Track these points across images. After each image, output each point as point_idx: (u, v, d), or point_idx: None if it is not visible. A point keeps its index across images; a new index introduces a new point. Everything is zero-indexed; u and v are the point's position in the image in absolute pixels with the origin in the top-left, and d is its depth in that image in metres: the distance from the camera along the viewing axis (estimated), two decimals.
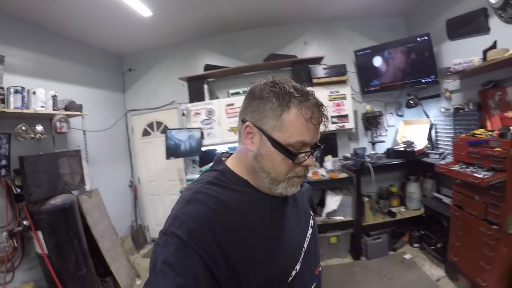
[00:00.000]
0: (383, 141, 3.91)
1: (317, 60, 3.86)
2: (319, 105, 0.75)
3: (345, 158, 3.85)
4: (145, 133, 4.51)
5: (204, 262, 0.65)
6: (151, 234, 4.58)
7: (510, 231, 2.22)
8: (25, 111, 2.58)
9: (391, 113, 4.00)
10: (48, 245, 2.57)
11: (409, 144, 3.54)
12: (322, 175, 3.64)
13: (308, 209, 1.01)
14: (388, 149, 3.73)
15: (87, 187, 3.35)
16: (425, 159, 3.36)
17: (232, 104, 3.86)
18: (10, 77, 2.60)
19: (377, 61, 3.75)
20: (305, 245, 0.89)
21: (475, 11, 2.84)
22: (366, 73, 3.86)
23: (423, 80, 3.48)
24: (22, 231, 2.51)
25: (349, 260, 3.53)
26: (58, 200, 2.73)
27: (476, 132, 2.65)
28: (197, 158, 4.19)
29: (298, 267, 0.82)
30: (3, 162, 2.38)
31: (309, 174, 3.67)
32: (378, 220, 3.59)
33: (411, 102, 3.58)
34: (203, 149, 3.94)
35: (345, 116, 3.77)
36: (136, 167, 4.55)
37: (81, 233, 2.94)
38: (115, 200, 3.84)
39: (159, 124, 4.45)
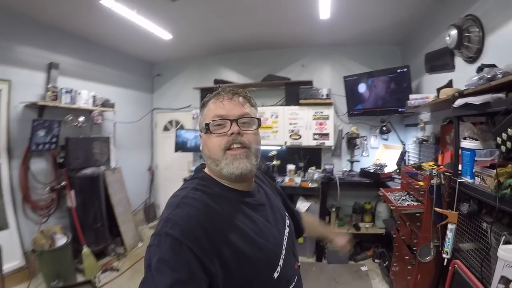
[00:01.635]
0: (358, 161, 4.64)
1: (307, 83, 4.74)
2: (231, 91, 1.01)
3: (323, 171, 4.63)
4: (165, 128, 5.88)
5: (197, 258, 0.76)
6: (160, 212, 5.88)
7: (422, 260, 2.58)
8: (72, 106, 4.01)
9: (375, 135, 4.70)
10: (77, 201, 3.95)
11: (380, 166, 4.20)
12: (296, 183, 4.48)
13: (284, 210, 1.18)
14: (361, 169, 4.43)
15: (112, 165, 4.75)
16: (390, 182, 3.92)
17: None
18: (62, 79, 4.06)
19: (362, 88, 4.47)
20: (284, 242, 1.04)
21: (444, 48, 3.09)
22: (352, 97, 4.61)
23: (399, 109, 4.10)
24: (60, 189, 3.95)
25: (312, 260, 4.28)
26: (88, 171, 4.14)
27: (424, 164, 2.92)
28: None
29: (281, 262, 0.97)
30: (54, 139, 3.80)
31: (286, 180, 4.61)
32: (342, 230, 4.27)
33: (384, 128, 4.31)
34: None
35: (326, 134, 4.61)
36: (156, 155, 5.98)
37: (101, 197, 4.31)
38: (134, 179, 5.24)
39: (177, 122, 5.80)
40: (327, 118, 4.61)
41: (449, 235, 2.19)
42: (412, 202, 2.77)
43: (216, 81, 5.08)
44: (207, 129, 0.95)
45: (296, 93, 4.70)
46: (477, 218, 1.99)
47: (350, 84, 4.57)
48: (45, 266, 3.40)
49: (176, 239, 0.76)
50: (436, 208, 2.36)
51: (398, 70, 4.07)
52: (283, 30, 4.37)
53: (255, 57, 5.23)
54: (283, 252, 1.00)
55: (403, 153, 4.19)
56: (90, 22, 3.84)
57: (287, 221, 1.14)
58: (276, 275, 0.93)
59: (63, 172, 3.93)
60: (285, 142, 4.76)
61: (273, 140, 4.82)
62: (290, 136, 4.74)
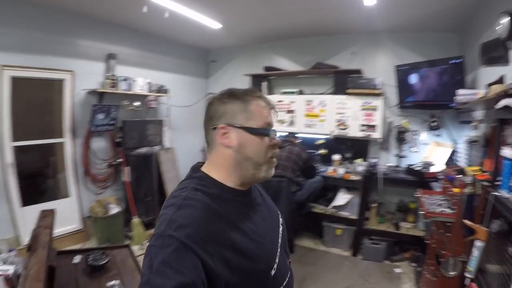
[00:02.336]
0: (405, 156, 4.47)
1: (356, 72, 4.64)
2: (265, 97, 1.05)
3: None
4: None
5: (201, 261, 0.78)
6: None
7: (445, 274, 2.45)
8: (128, 92, 4.60)
9: (427, 131, 4.42)
10: (131, 176, 4.57)
11: (426, 164, 3.99)
12: (338, 174, 4.50)
13: (276, 209, 1.22)
14: (407, 165, 4.25)
15: (166, 145, 5.32)
16: (435, 183, 3.68)
17: (281, 101, 5.13)
18: (120, 67, 4.68)
19: (413, 78, 4.24)
20: (279, 241, 1.09)
21: (497, 38, 2.70)
22: (403, 88, 4.40)
23: (450, 105, 3.75)
24: (117, 165, 4.62)
25: (347, 254, 4.34)
26: (143, 150, 4.76)
27: (467, 168, 2.79)
28: None
29: (277, 260, 1.01)
30: (112, 122, 4.43)
31: (329, 170, 4.68)
32: (381, 227, 4.26)
33: (432, 124, 4.06)
34: None
35: (374, 126, 4.51)
36: None
37: (153, 174, 4.93)
38: (187, 159, 5.76)
39: None
40: (375, 109, 4.49)
41: (475, 252, 2.06)
42: (446, 210, 2.63)
43: (267, 68, 5.26)
44: (263, 133, 0.99)
45: (344, 82, 4.64)
46: (506, 239, 1.82)
47: (402, 74, 4.36)
48: (98, 230, 4.13)
49: (180, 242, 0.78)
50: (464, 221, 2.24)
51: (451, 61, 3.78)
52: (330, 17, 4.32)
53: (304, 44, 5.27)
54: (278, 250, 1.05)
55: (453, 153, 3.92)
56: (142, 15, 4.24)
57: (280, 219, 1.20)
58: (273, 272, 0.98)
59: (120, 150, 4.57)
60: (331, 132, 4.78)
61: (320, 128, 4.89)
62: (337, 125, 4.74)
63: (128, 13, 4.16)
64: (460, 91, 3.21)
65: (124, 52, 4.78)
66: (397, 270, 3.94)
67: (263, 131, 0.99)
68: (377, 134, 4.53)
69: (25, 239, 3.48)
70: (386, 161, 4.66)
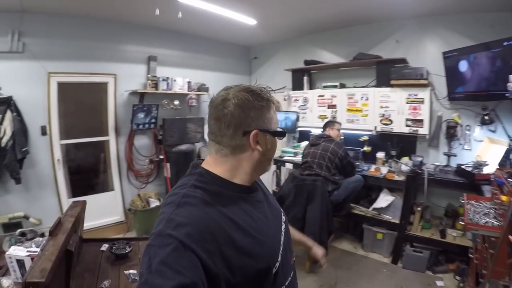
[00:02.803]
0: (454, 155, 4.03)
1: (400, 61, 4.32)
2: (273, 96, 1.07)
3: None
4: None
5: (201, 261, 0.77)
6: None
7: None
8: (168, 92, 4.90)
9: (480, 125, 3.93)
10: (171, 172, 4.88)
11: (479, 164, 3.53)
12: (381, 173, 4.25)
13: (279, 207, 1.23)
14: (457, 165, 3.84)
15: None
16: (487, 186, 3.13)
17: (322, 96, 5.01)
18: (160, 68, 5.01)
19: (463, 66, 3.79)
20: (282, 238, 1.09)
21: None
22: (453, 77, 3.97)
23: (506, 94, 3.28)
24: (158, 161, 4.96)
25: (387, 261, 4.10)
26: (183, 147, 4.99)
27: None
28: (297, 135, 5.68)
29: (279, 258, 1.01)
30: (153, 120, 4.77)
31: (371, 169, 4.44)
32: (425, 234, 3.90)
33: (486, 117, 3.59)
34: (299, 129, 5.41)
35: (420, 120, 4.16)
36: None
37: None
38: None
39: None
40: (422, 101, 4.15)
41: None
42: (492, 221, 2.25)
43: (307, 62, 5.16)
44: (280, 135, 1.04)
45: (387, 73, 4.34)
46: None
47: (450, 62, 3.94)
48: (137, 222, 4.50)
49: (179, 241, 0.77)
50: (511, 237, 1.91)
51: (505, 43, 3.29)
52: (370, 4, 4.06)
53: (345, 35, 5.08)
54: (281, 248, 1.05)
55: (508, 151, 3.38)
56: (179, 18, 4.51)
57: (283, 217, 1.20)
58: (275, 270, 0.98)
59: (162, 147, 4.89)
60: (375, 127, 4.54)
61: (363, 124, 4.69)
62: (381, 121, 4.48)
63: (165, 17, 4.38)
64: None
65: (164, 53, 5.11)
66: (439, 283, 3.58)
67: (281, 132, 1.04)
68: (424, 130, 4.18)
69: None
70: (434, 159, 4.28)
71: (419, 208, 4.03)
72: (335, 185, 3.98)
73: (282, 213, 1.21)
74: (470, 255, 2.85)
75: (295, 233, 1.59)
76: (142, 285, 0.74)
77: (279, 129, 1.03)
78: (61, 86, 4.15)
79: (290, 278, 1.09)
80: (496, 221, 2.23)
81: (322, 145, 4.04)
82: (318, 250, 1.61)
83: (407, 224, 3.99)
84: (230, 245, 0.86)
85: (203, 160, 1.10)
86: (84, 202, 2.76)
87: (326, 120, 4.69)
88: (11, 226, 3.79)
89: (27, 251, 2.07)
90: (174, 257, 0.75)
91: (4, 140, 3.67)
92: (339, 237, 4.71)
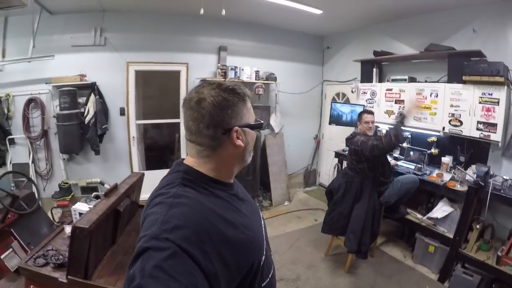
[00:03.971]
0: None
1: (476, 54, 3.69)
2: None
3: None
4: (334, 100, 6.08)
5: (198, 264, 0.75)
6: (320, 179, 6.54)
7: None
8: (236, 80, 5.08)
9: None
10: None
11: None
12: (441, 180, 3.78)
13: (255, 203, 1.30)
14: None
15: (276, 130, 5.63)
16: None
17: (391, 89, 4.64)
18: (230, 58, 5.27)
19: None
20: (263, 233, 1.14)
21: None
22: None
23: None
24: None
25: (434, 277, 3.69)
26: None
27: None
28: None
29: (264, 252, 1.05)
30: None
31: (433, 174, 3.99)
32: (480, 256, 3.35)
33: None
34: None
35: (493, 125, 3.52)
36: (323, 125, 6.40)
37: (257, 155, 5.33)
38: (297, 144, 5.98)
39: (343, 95, 5.93)
40: (497, 103, 3.50)
41: None
42: None
43: (376, 53, 4.79)
44: (258, 127, 1.05)
45: (460, 67, 3.75)
46: None
47: None
48: None
49: (176, 246, 0.74)
50: None
51: None
52: None
53: (418, 24, 4.58)
54: (264, 243, 1.08)
55: None
56: (248, 9, 4.66)
57: (261, 214, 1.23)
58: (261, 264, 1.01)
59: None
60: (443, 128, 4.02)
61: (430, 123, 4.19)
62: (450, 121, 3.95)
63: (231, 8, 4.58)
64: None
65: (235, 43, 5.37)
66: None
67: (259, 125, 1.07)
68: (496, 136, 3.53)
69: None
70: (507, 172, 3.58)
71: (478, 226, 3.48)
72: (384, 184, 3.71)
73: (259, 209, 1.25)
74: None
75: None
76: None
77: (256, 122, 1.04)
78: (142, 73, 4.79)
79: (272, 271, 1.12)
80: None
81: (354, 142, 3.71)
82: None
83: (462, 241, 3.48)
84: (224, 242, 0.86)
85: (183, 159, 1.08)
86: (142, 174, 3.22)
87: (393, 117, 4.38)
88: (89, 189, 4.64)
89: (88, 207, 2.55)
90: (170, 262, 0.72)
91: (88, 118, 4.44)
92: (390, 242, 4.40)
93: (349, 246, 3.64)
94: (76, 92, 4.39)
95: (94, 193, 4.20)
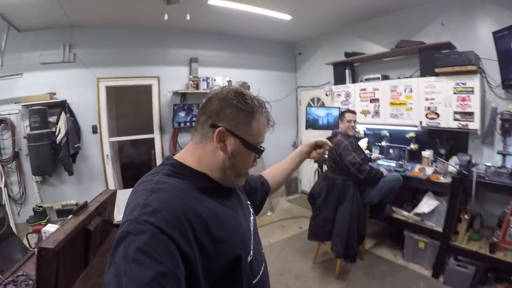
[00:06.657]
0: (510, 154, 3.21)
1: (446, 46, 3.65)
2: (269, 113, 1.02)
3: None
4: (309, 105, 5.93)
5: (178, 248, 0.74)
6: (302, 187, 6.35)
7: None
8: (208, 91, 4.88)
9: None
10: None
11: None
12: (424, 174, 3.65)
13: (246, 199, 1.19)
14: None
15: None
16: None
17: (364, 89, 4.56)
18: (202, 69, 5.14)
19: None
20: (251, 228, 1.08)
21: None
22: (506, 62, 3.20)
23: None
24: None
25: (427, 273, 3.51)
26: None
27: None
28: None
29: (251, 247, 1.01)
30: (194, 118, 4.84)
31: (415, 169, 3.86)
32: (472, 246, 3.22)
33: None
34: None
35: (470, 114, 3.45)
36: (300, 131, 6.29)
37: None
38: (277, 153, 5.68)
39: (318, 99, 5.82)
40: (471, 91, 3.44)
41: None
42: None
43: (346, 54, 4.71)
44: (253, 149, 0.98)
45: (432, 60, 3.70)
46: None
47: (503, 43, 3.18)
48: None
49: (156, 228, 0.73)
50: None
51: None
52: None
53: (387, 23, 4.57)
54: (252, 238, 1.04)
55: None
56: (214, 19, 4.54)
57: (251, 209, 1.18)
58: (249, 258, 0.97)
59: None
60: (420, 122, 3.93)
61: (407, 119, 4.11)
62: (426, 115, 3.85)
63: (199, 19, 4.48)
64: None
65: (206, 54, 5.24)
66: None
67: (257, 150, 0.99)
68: (475, 124, 3.45)
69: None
70: (489, 159, 3.50)
71: (466, 216, 3.35)
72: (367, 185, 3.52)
73: (249, 205, 1.19)
74: None
75: (282, 165, 1.61)
76: (118, 276, 0.69)
77: (254, 143, 0.96)
78: (114, 90, 4.61)
79: (263, 269, 1.08)
80: None
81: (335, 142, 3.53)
82: (321, 139, 1.53)
83: (452, 233, 3.34)
84: (205, 231, 0.83)
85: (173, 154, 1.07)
86: (115, 191, 2.93)
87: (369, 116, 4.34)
88: (64, 212, 4.32)
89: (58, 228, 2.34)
90: (151, 244, 0.71)
91: (59, 138, 4.17)
92: (379, 243, 4.22)
93: (336, 250, 3.43)
94: (46, 111, 4.12)
95: (70, 216, 3.93)
